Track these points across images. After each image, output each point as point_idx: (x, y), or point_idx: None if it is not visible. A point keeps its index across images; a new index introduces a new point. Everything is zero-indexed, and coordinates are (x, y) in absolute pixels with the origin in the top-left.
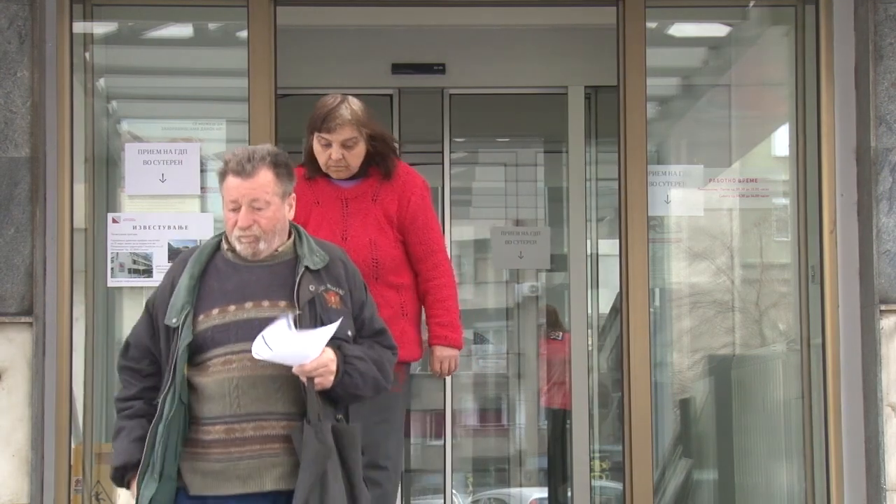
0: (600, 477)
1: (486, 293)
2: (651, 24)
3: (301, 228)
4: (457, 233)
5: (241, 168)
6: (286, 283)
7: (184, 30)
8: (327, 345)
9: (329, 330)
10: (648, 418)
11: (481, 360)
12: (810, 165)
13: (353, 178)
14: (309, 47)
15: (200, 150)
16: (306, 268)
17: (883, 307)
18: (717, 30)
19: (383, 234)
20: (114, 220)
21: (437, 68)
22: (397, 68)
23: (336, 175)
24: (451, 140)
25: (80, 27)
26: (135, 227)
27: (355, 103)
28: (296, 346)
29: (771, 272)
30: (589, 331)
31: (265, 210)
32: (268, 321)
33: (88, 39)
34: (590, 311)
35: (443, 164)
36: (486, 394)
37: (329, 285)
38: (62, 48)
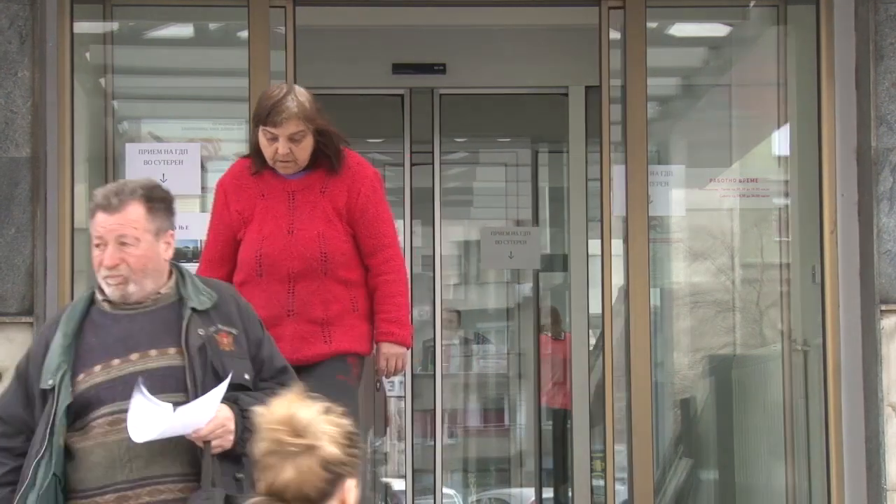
0: (600, 477)
1: (486, 293)
2: (651, 24)
3: (183, 268)
4: (456, 233)
5: (108, 202)
6: (173, 329)
7: (201, 30)
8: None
9: (220, 391)
10: (649, 418)
11: (481, 360)
12: (811, 165)
13: (300, 170)
14: (312, 48)
15: (201, 149)
16: (193, 309)
17: (883, 307)
18: (716, 30)
19: (332, 227)
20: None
21: (437, 68)
22: (397, 68)
23: (283, 170)
24: (440, 140)
25: (86, 27)
26: None
27: (302, 94)
28: (183, 416)
29: (771, 272)
30: (589, 331)
31: (134, 247)
32: (158, 371)
33: (97, 39)
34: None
35: (433, 163)
36: (487, 394)
37: (220, 325)
38: (63, 48)
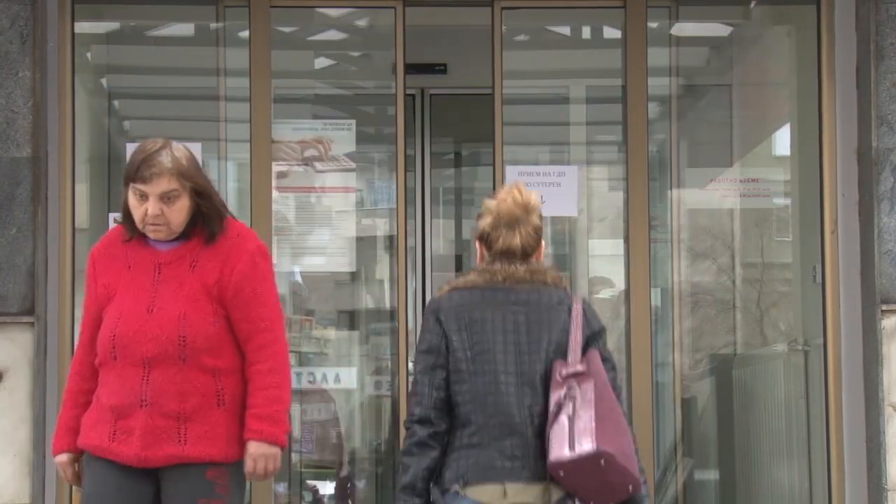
0: None
1: None
2: (652, 24)
3: None
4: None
5: None
6: None
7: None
8: None
9: None
10: (649, 418)
11: None
12: (811, 165)
13: (174, 238)
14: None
15: (312, 150)
16: None
17: (884, 307)
18: (717, 30)
19: (197, 307)
20: (115, 220)
21: (437, 68)
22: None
23: (154, 235)
24: (431, 140)
25: (86, 27)
26: None
27: (179, 150)
28: None
29: (772, 272)
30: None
31: None
32: None
33: (98, 39)
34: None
35: (423, 163)
36: None
37: None
38: (63, 48)
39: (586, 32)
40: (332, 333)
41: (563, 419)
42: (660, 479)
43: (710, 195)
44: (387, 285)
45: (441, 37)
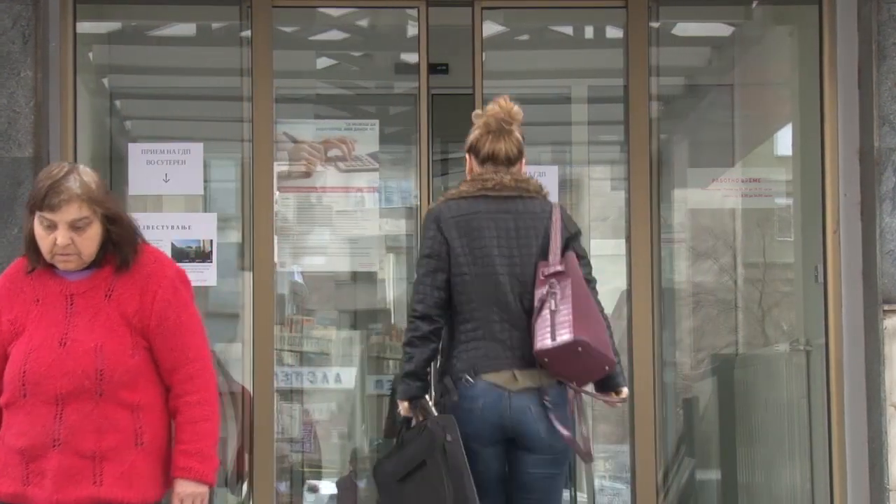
0: (602, 477)
1: None
2: (653, 24)
3: None
4: None
5: None
6: None
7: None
8: None
9: None
10: (651, 418)
11: None
12: (813, 165)
13: (85, 267)
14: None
15: (335, 150)
16: None
17: (886, 307)
18: (719, 30)
19: (116, 338)
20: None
21: (439, 68)
22: (399, 69)
23: (64, 266)
24: (430, 141)
25: (88, 27)
26: None
27: (87, 174)
28: None
29: (774, 272)
30: None
31: None
32: None
33: (100, 39)
34: None
35: (420, 164)
36: None
37: None
38: (65, 48)
39: (588, 32)
40: (332, 333)
41: (546, 313)
42: (661, 479)
43: (711, 195)
44: (402, 285)
45: (442, 37)
